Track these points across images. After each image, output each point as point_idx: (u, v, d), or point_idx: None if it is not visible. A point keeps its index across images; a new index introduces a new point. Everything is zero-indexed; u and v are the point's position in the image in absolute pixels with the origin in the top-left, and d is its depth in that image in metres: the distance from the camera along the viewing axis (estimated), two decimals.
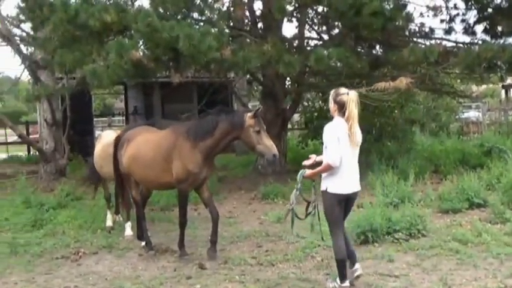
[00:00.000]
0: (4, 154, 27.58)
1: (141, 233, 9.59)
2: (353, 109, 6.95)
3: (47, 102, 17.94)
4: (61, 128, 18.91)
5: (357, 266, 7.26)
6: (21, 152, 27.71)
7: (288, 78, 17.92)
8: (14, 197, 13.58)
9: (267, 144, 8.18)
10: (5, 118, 18.53)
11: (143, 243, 9.42)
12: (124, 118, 31.20)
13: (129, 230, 10.44)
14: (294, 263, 8.32)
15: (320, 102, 19.40)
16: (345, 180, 6.97)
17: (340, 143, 6.86)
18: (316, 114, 19.85)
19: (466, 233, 9.29)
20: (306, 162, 7.41)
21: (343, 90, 7.09)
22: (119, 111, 39.71)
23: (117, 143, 9.83)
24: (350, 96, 6.96)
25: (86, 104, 24.44)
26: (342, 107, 6.96)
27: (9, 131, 20.80)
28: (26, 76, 21.21)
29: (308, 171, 7.26)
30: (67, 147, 18.64)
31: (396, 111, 19.18)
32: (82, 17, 12.47)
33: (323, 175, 7.06)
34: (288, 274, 7.79)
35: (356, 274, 7.20)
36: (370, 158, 16.50)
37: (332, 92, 7.17)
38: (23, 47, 18.45)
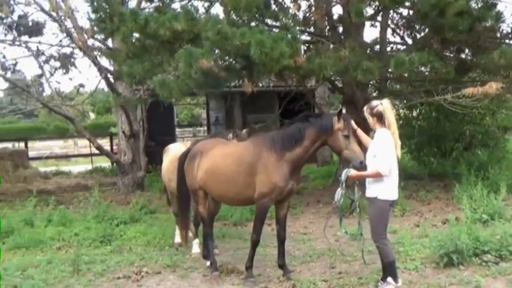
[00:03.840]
0: (89, 165, 27.86)
1: (207, 252, 9.07)
2: (390, 117, 7.43)
3: (124, 114, 17.79)
4: (139, 139, 18.75)
5: None
6: (106, 163, 27.94)
7: (370, 85, 17.07)
8: (87, 211, 13.31)
9: (355, 150, 7.67)
10: (83, 129, 18.51)
11: (208, 263, 8.89)
12: (206, 128, 31.04)
13: (196, 248, 9.97)
14: None
15: (404, 109, 18.49)
16: (393, 187, 7.43)
17: (390, 152, 7.31)
18: (401, 122, 18.93)
19: None
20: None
21: (375, 102, 7.57)
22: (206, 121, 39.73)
23: (185, 156, 9.35)
24: (385, 106, 7.43)
25: (167, 114, 24.31)
26: (380, 118, 7.41)
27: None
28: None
29: (353, 172, 7.51)
30: (144, 159, 18.45)
31: (487, 118, 18.04)
32: (152, 26, 12.12)
33: (370, 183, 7.47)
34: None
35: None
36: (458, 169, 15.50)
37: (365, 107, 7.66)
38: (104, 59, 18.54)
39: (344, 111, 8.06)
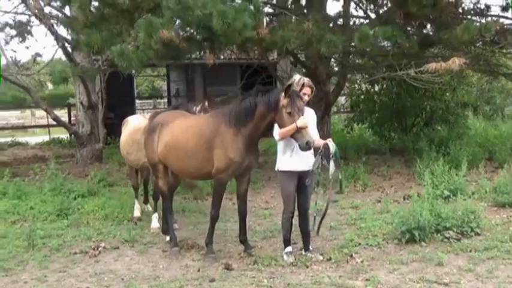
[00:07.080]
0: (47, 136, 27.24)
1: (166, 227, 8.85)
2: None
3: (82, 84, 17.35)
4: (98, 110, 18.34)
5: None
6: (64, 134, 27.35)
7: (332, 60, 16.95)
8: (44, 184, 12.97)
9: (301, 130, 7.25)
10: (40, 100, 18.04)
11: (168, 238, 8.70)
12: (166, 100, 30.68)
13: (155, 222, 9.76)
14: (331, 265, 7.52)
15: (367, 84, 18.44)
16: None
17: None
18: (362, 97, 18.91)
19: None
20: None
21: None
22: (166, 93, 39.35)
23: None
24: None
25: (127, 86, 23.86)
26: None
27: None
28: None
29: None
30: (103, 131, 18.07)
31: (447, 93, 18.08)
32: None
33: (310, 155, 7.58)
34: (322, 278, 6.97)
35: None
36: (419, 144, 15.53)
37: (309, 82, 7.70)
38: (62, 28, 17.97)
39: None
